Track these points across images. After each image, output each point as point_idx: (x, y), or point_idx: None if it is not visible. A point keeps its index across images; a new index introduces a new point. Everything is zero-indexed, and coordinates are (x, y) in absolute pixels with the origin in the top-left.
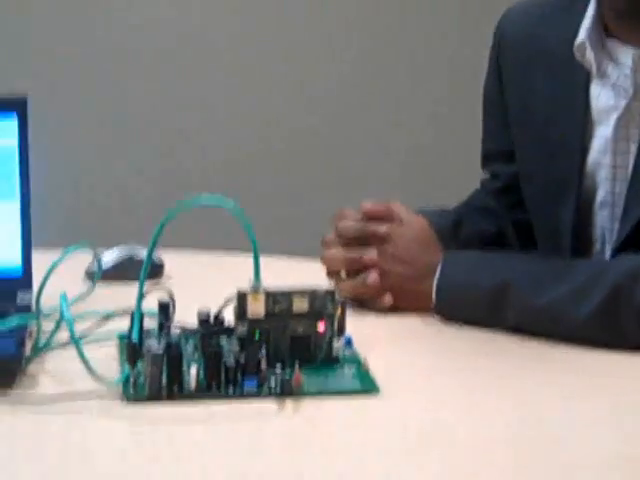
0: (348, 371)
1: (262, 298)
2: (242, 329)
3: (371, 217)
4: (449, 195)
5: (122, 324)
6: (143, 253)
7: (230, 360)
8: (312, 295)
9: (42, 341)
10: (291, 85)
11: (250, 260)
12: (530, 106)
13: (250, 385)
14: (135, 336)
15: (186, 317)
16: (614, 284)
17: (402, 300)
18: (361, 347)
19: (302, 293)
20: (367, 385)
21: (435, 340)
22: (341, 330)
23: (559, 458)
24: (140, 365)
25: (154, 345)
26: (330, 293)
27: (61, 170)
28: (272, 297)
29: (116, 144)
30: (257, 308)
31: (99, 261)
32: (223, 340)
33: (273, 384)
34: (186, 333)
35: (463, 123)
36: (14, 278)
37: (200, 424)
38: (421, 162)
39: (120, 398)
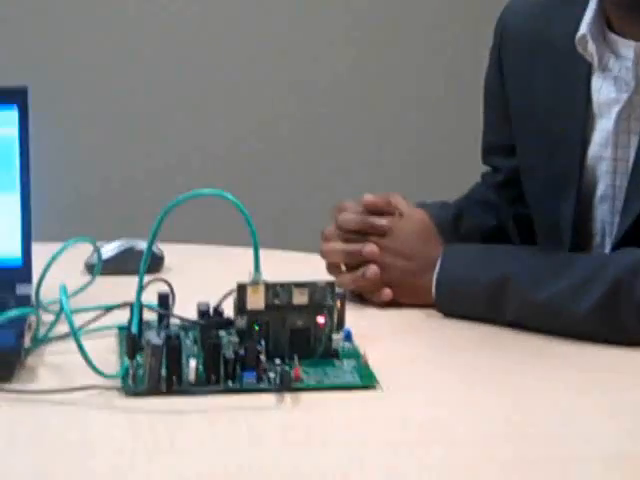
0: (347, 365)
1: (262, 290)
2: (241, 321)
3: (371, 210)
4: (449, 189)
5: (122, 316)
6: (143, 245)
7: (229, 352)
8: (312, 287)
9: (41, 333)
10: (292, 79)
11: (250, 253)
12: (531, 99)
13: (249, 378)
14: (135, 328)
15: (186, 310)
16: (614, 279)
17: (402, 294)
18: (361, 341)
19: (302, 285)
20: (366, 379)
21: (435, 334)
22: (341, 324)
23: (558, 453)
24: (139, 358)
25: (154, 337)
26: (330, 285)
27: (61, 163)
28: (272, 289)
29: (117, 137)
30: (257, 300)
31: (99, 254)
32: (222, 332)
33: (272, 377)
34: (185, 326)
35: (463, 117)
36: (14, 270)
37: (199, 417)
38: (421, 156)
39: (119, 391)
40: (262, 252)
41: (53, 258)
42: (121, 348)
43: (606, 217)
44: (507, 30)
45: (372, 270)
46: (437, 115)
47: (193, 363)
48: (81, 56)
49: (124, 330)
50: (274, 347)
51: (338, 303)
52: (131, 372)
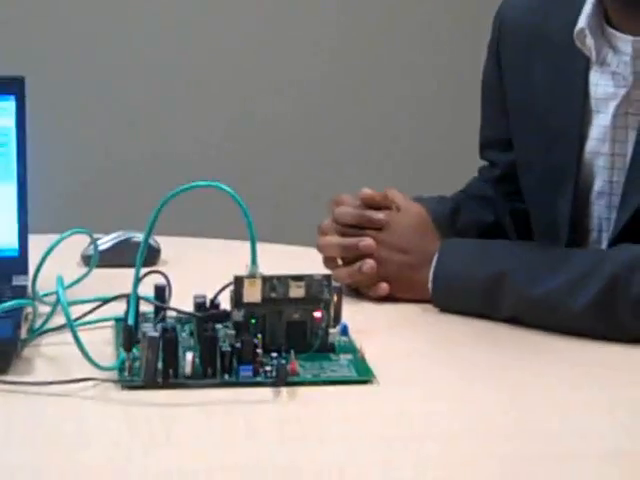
0: (344, 359)
1: (259, 283)
2: (238, 314)
3: (368, 204)
4: (447, 184)
5: (118, 309)
6: (140, 238)
7: (226, 346)
8: (309, 281)
9: (38, 325)
10: (290, 73)
11: (246, 246)
12: (529, 93)
13: (246, 371)
14: (131, 320)
15: (182, 302)
16: (611, 274)
17: (398, 288)
18: (357, 335)
19: (299, 279)
20: (363, 373)
21: (432, 329)
22: (337, 318)
23: (555, 449)
24: (136, 350)
25: (150, 329)
26: (327, 278)
27: (59, 154)
28: (269, 282)
29: (114, 129)
30: (253, 293)
31: (95, 245)
32: (219, 326)
33: (269, 371)
34: (182, 318)
35: (460, 111)
36: (10, 261)
37: (195, 410)
38: (419, 150)
39: (115, 383)
40: (259, 245)
41: (50, 249)
42: (117, 340)
43: (603, 213)
44: (505, 24)
45: (369, 264)
46: (434, 110)
47: (189, 356)
48: (79, 47)
49: (120, 322)
50: (271, 340)
51: (335, 297)
52: (127, 364)
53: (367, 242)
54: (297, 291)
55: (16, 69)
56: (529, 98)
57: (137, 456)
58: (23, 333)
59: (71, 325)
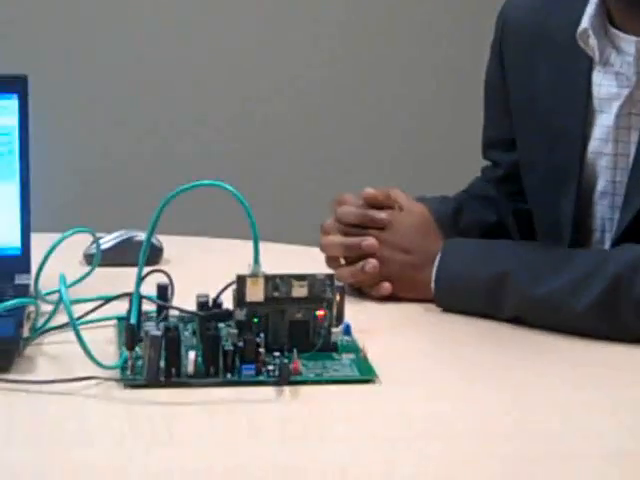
0: (346, 358)
1: (261, 283)
2: (241, 314)
3: (371, 203)
4: (449, 183)
5: (120, 307)
6: (142, 237)
7: (228, 345)
8: (311, 280)
9: (40, 323)
10: (293, 72)
11: (249, 245)
12: (532, 93)
13: (248, 370)
14: (134, 319)
15: (185, 301)
16: (614, 275)
17: (401, 288)
18: (360, 334)
19: (301, 278)
20: (365, 373)
21: (434, 329)
22: (340, 317)
23: (557, 450)
24: (138, 349)
25: (153, 328)
26: (329, 278)
27: (61, 153)
28: (271, 282)
29: (117, 128)
30: (256, 293)
31: (98, 244)
32: (221, 325)
33: (271, 370)
34: (185, 317)
35: (463, 111)
36: (13, 260)
37: (198, 409)
38: (422, 150)
39: (118, 382)
40: (261, 245)
41: (52, 248)
42: (120, 339)
43: (606, 213)
44: (508, 24)
45: (371, 264)
46: (437, 110)
47: (192, 355)
48: (81, 46)
49: (123, 321)
50: (273, 340)
51: (337, 296)
52: (130, 363)
53: (370, 242)
54: (300, 290)
55: (19, 68)
56: (532, 98)
57: (139, 455)
58: (25, 332)
59: (73, 324)
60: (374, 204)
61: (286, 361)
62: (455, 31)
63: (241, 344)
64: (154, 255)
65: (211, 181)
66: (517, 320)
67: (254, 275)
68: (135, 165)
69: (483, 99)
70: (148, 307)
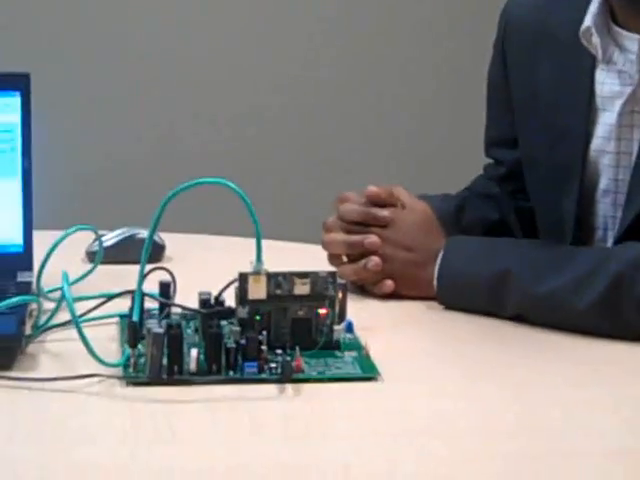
0: (349, 356)
1: (263, 280)
2: (243, 311)
3: (374, 201)
4: (452, 181)
5: (123, 305)
6: (144, 234)
7: (231, 342)
8: (314, 278)
9: (42, 321)
10: (295, 70)
11: (251, 243)
12: (534, 91)
13: (250, 368)
14: (136, 316)
15: (187, 299)
16: (616, 273)
17: (403, 286)
18: (362, 332)
19: (304, 275)
20: (367, 370)
21: (437, 326)
22: (342, 315)
23: (559, 447)
24: (141, 346)
25: (155, 326)
26: (332, 276)
27: (63, 151)
28: (273, 279)
29: (118, 126)
30: (258, 290)
31: (100, 242)
32: (224, 322)
33: (274, 368)
34: (187, 315)
35: (466, 109)
36: (15, 257)
37: (200, 406)
38: (424, 148)
39: (120, 379)
40: (264, 242)
41: (54, 246)
42: (122, 337)
43: (608, 211)
44: (511, 22)
45: (374, 261)
46: (440, 107)
47: (194, 352)
48: (84, 44)
49: (125, 319)
50: (275, 337)
51: (340, 294)
52: (132, 361)
53: (372, 239)
54: (302, 288)
55: (21, 65)
56: (534, 96)
57: (141, 452)
58: (28, 329)
59: (76, 321)
60: (377, 202)
61: (288, 359)
62: (456, 30)
63: (243, 342)
64: (156, 253)
65: (214, 178)
66: (519, 318)
67: (256, 273)
68: (137, 163)
69: (486, 97)
70: (150, 305)
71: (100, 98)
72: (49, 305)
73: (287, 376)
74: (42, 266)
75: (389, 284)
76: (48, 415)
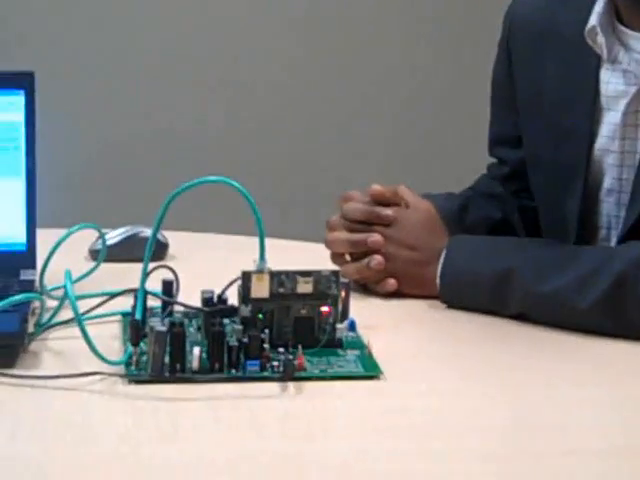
0: (351, 355)
1: (266, 279)
2: (246, 310)
3: (377, 200)
4: (455, 181)
5: (125, 303)
6: (148, 232)
7: (233, 341)
8: (316, 277)
9: (45, 319)
10: (300, 69)
11: (254, 241)
12: (539, 90)
13: (253, 366)
14: (138, 315)
15: (190, 297)
16: (620, 272)
17: (406, 285)
18: (364, 331)
19: (306, 274)
20: (370, 369)
21: (439, 325)
22: (345, 313)
23: (559, 446)
24: (143, 344)
25: (157, 324)
26: (335, 274)
27: (67, 149)
28: (276, 278)
29: (122, 124)
30: (261, 289)
31: (104, 240)
32: (226, 320)
33: (276, 366)
34: (189, 313)
35: (469, 109)
36: (18, 255)
37: (202, 405)
38: (427, 147)
39: (122, 377)
40: (267, 241)
41: (58, 244)
42: (125, 335)
43: (612, 210)
44: (515, 21)
45: (377, 260)
46: (443, 107)
47: (197, 351)
48: (88, 43)
49: (128, 317)
50: (278, 336)
51: (342, 292)
52: (134, 359)
53: (375, 238)
54: (305, 287)
55: (25, 64)
56: (539, 95)
57: (143, 450)
58: (30, 327)
59: (79, 319)
60: (381, 201)
61: (291, 357)
62: (461, 29)
63: (246, 340)
64: (159, 251)
65: (217, 177)
66: (522, 317)
67: (259, 271)
68: (141, 161)
69: (490, 96)
70: (153, 303)
71: (104, 97)
72: (52, 303)
73: (289, 374)
74: (45, 264)
75: (392, 283)
76: (50, 413)
